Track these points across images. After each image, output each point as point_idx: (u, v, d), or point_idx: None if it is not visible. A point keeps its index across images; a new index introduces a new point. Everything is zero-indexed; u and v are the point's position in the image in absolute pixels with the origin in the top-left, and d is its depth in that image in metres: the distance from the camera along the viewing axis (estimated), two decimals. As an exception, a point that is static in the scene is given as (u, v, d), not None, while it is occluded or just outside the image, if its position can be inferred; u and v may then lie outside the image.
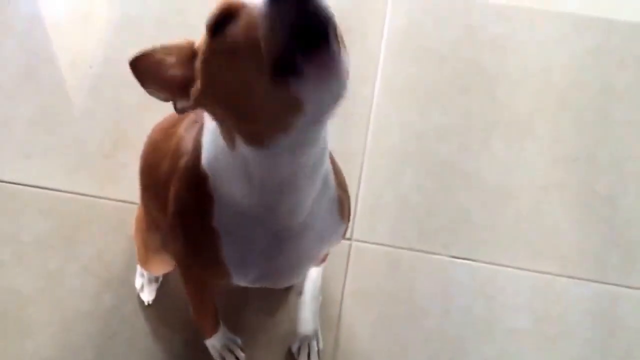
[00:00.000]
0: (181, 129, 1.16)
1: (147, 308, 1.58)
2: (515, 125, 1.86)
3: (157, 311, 1.58)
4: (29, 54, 1.91)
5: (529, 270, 1.68)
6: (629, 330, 1.62)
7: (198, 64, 0.87)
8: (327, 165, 1.02)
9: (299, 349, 1.56)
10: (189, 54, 0.89)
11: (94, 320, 1.58)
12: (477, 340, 1.59)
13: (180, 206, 1.10)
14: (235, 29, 0.77)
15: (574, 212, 1.75)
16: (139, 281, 1.60)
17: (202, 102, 0.88)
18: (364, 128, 1.83)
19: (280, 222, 1.01)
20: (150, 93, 0.90)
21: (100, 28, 1.96)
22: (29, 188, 1.71)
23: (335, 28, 0.73)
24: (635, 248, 1.71)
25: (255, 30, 0.74)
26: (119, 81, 1.82)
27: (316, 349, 1.56)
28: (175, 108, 0.92)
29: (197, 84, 0.87)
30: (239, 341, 1.55)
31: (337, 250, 1.62)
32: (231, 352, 1.53)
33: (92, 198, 1.70)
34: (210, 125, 0.97)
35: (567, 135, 1.85)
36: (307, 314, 1.55)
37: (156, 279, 1.60)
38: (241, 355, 1.54)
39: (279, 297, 1.62)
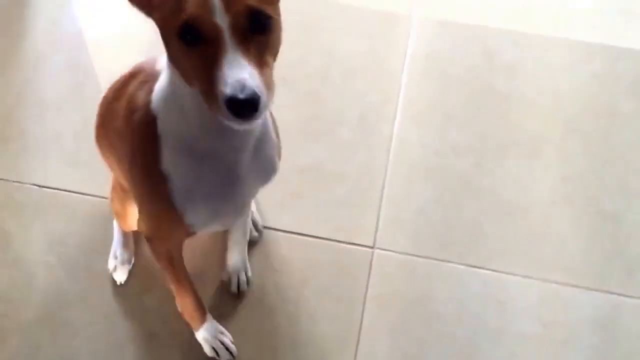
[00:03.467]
0: (131, 88, 1.21)
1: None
2: (526, 144, 1.93)
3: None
4: (75, 69, 2.01)
5: (537, 279, 1.72)
6: (631, 337, 1.65)
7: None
8: (266, 118, 1.15)
9: (229, 279, 1.65)
10: None
11: (135, 320, 1.64)
12: (489, 344, 1.63)
13: (133, 157, 1.18)
14: (203, 54, 0.89)
15: (580, 226, 1.80)
16: (111, 262, 1.67)
17: (154, 18, 0.95)
18: (387, 145, 1.91)
19: (226, 158, 1.11)
20: None
21: (137, 44, 2.05)
22: (75, 194, 1.79)
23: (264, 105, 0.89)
24: (636, 260, 1.76)
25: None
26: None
27: (244, 278, 1.65)
28: None
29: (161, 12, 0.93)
30: (229, 334, 1.59)
31: (360, 257, 1.72)
32: (223, 344, 1.57)
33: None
34: (165, 69, 1.06)
35: (575, 156, 1.91)
36: (236, 250, 1.63)
37: (129, 260, 1.67)
38: (232, 346, 1.58)
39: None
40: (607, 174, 1.89)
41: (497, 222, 1.80)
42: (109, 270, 1.67)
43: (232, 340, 1.60)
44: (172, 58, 0.96)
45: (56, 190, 1.80)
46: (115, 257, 1.67)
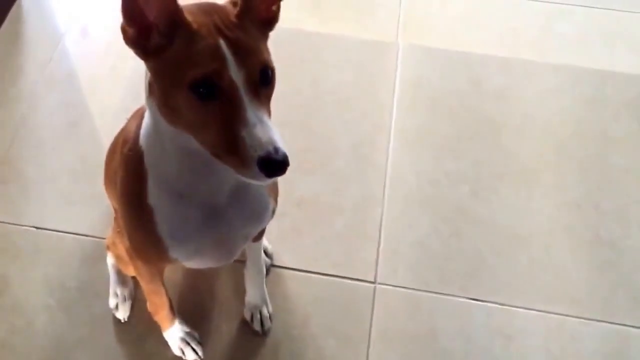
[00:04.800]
0: (129, 122, 1.23)
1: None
2: (521, 172, 1.94)
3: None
4: (70, 108, 2.01)
5: (541, 311, 1.70)
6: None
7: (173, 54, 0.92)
8: None
9: (252, 316, 1.65)
10: (173, 17, 0.92)
11: None
12: (498, 380, 1.62)
13: (123, 188, 1.20)
14: (219, 109, 0.91)
15: (581, 255, 1.80)
16: (112, 301, 1.66)
17: (150, 63, 0.96)
18: (382, 175, 1.91)
19: (205, 200, 1.13)
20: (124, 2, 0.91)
21: (130, 80, 2.06)
22: (72, 235, 1.77)
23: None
24: (640, 289, 1.76)
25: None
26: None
27: (267, 314, 1.65)
28: (124, 32, 0.94)
29: (160, 56, 0.93)
30: (197, 335, 1.61)
31: (363, 292, 1.71)
32: (188, 344, 1.59)
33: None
34: (148, 107, 1.06)
35: (570, 182, 1.93)
36: (254, 286, 1.63)
37: (130, 296, 1.67)
38: (198, 347, 1.59)
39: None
40: (603, 199, 1.91)
41: (497, 253, 1.80)
42: (111, 309, 1.66)
43: (200, 341, 1.61)
44: (175, 107, 0.96)
45: (54, 232, 1.78)
46: (116, 295, 1.67)
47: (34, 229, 1.79)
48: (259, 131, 0.89)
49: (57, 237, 1.78)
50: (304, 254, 1.78)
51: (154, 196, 1.13)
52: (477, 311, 1.71)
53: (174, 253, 1.21)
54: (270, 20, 1.01)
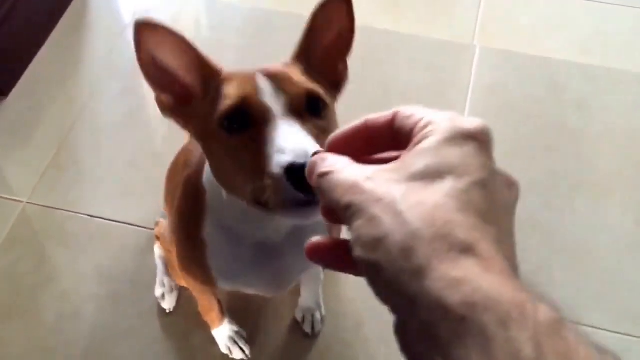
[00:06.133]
0: (192, 144, 1.19)
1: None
2: (598, 184, 1.85)
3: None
4: (130, 95, 2.01)
5: (610, 331, 1.61)
6: None
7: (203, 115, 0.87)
8: None
9: (303, 318, 1.62)
10: (204, 71, 0.89)
11: (181, 358, 1.60)
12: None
13: (179, 215, 1.15)
14: (250, 138, 0.81)
15: None
16: (159, 291, 1.65)
17: (191, 129, 0.91)
18: None
19: (260, 241, 1.07)
20: (145, 71, 0.87)
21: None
22: (125, 225, 1.76)
23: None
24: None
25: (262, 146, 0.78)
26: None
27: (319, 318, 1.61)
28: (160, 104, 0.91)
29: (195, 124, 0.89)
30: (244, 333, 1.59)
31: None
32: (236, 343, 1.57)
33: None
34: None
35: None
36: (309, 290, 1.59)
37: (176, 287, 1.65)
38: (246, 346, 1.57)
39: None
40: (686, 219, 1.78)
41: (565, 266, 1.71)
42: (157, 298, 1.65)
43: (247, 340, 1.59)
44: (212, 157, 0.91)
45: (107, 221, 1.77)
46: (163, 285, 1.65)
47: (88, 216, 1.78)
48: (287, 139, 0.76)
49: (110, 226, 1.77)
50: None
51: (210, 232, 1.09)
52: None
53: (222, 284, 1.19)
54: (337, 81, 0.95)
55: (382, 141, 0.49)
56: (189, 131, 0.94)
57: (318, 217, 0.64)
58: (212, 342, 1.58)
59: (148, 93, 1.97)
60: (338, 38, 0.94)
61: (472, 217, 0.40)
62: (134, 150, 1.89)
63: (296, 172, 0.72)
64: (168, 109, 0.91)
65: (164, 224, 1.53)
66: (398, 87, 2.05)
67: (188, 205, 1.12)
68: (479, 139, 0.45)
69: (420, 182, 0.42)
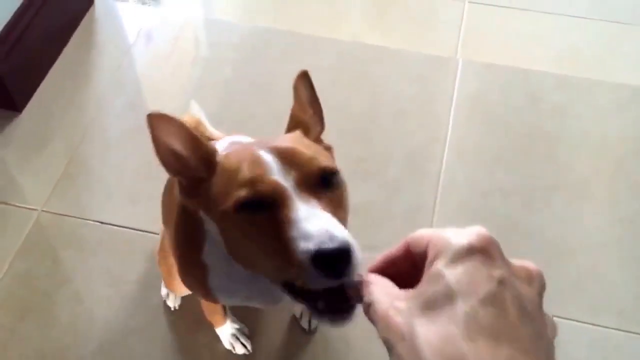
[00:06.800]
0: None
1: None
2: (574, 186, 1.93)
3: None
4: (135, 111, 2.09)
5: (588, 323, 1.69)
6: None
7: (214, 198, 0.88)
8: None
9: (301, 314, 1.68)
10: (201, 152, 0.92)
11: (189, 355, 1.67)
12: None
13: (180, 239, 1.18)
14: (268, 219, 0.79)
15: (631, 269, 1.78)
16: (164, 290, 1.71)
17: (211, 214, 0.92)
18: (435, 185, 1.93)
19: None
20: (164, 160, 0.92)
21: (187, 87, 2.13)
22: (133, 231, 1.84)
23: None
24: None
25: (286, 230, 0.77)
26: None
27: None
28: (180, 185, 0.94)
29: (211, 202, 0.89)
30: (246, 329, 1.65)
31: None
32: (238, 339, 1.63)
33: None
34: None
35: (623, 198, 1.91)
36: None
37: None
38: (247, 342, 1.63)
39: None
40: (657, 217, 1.87)
41: (546, 264, 1.70)
42: (162, 297, 1.72)
43: (249, 335, 1.65)
44: (229, 238, 0.90)
45: (116, 227, 1.86)
46: None
47: (99, 223, 1.87)
48: (310, 223, 0.74)
49: (119, 232, 1.85)
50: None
51: (210, 257, 1.11)
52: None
53: (222, 301, 1.27)
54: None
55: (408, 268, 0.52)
56: (209, 215, 0.94)
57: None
58: (218, 339, 1.65)
59: (152, 107, 2.09)
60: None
61: (482, 341, 0.42)
62: (141, 160, 1.97)
63: (323, 259, 0.70)
64: (186, 193, 0.94)
65: (162, 240, 1.57)
66: (386, 98, 2.15)
67: (188, 231, 1.13)
68: (482, 250, 0.47)
69: (432, 311, 0.44)
